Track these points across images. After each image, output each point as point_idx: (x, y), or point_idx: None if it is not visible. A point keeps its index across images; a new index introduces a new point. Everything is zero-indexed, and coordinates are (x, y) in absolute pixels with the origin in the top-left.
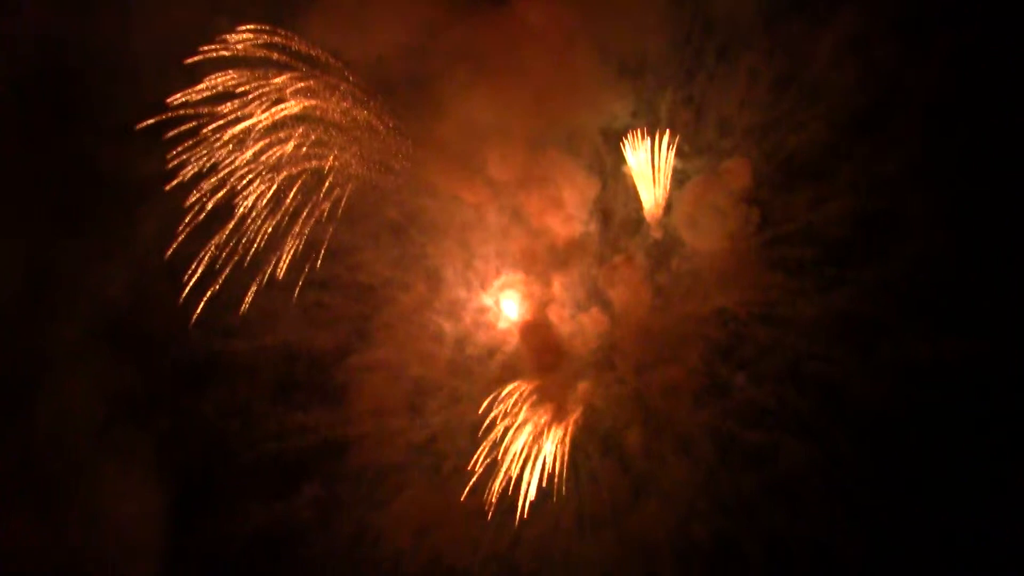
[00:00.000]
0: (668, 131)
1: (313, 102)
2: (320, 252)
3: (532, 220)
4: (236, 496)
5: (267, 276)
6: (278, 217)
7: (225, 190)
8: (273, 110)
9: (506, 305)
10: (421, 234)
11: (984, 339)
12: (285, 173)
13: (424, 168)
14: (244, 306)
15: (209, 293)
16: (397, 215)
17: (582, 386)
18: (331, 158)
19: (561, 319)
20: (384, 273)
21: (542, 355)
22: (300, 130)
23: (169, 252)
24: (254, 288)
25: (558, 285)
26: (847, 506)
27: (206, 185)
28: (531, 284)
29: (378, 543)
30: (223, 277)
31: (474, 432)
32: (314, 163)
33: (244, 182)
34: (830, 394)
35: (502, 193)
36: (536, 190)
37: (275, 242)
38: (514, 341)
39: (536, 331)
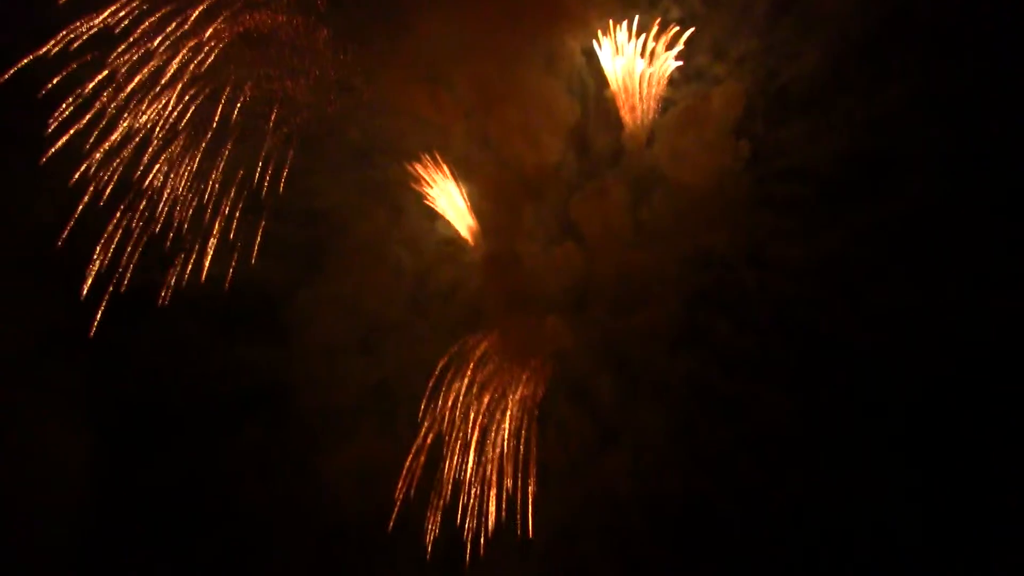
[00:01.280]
0: (675, 27)
1: (263, 17)
2: (269, 175)
3: (503, 145)
4: (171, 438)
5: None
6: (228, 145)
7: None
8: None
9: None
10: (382, 157)
11: (981, 288)
12: (241, 98)
13: (387, 86)
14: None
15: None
16: (357, 136)
17: (551, 327)
18: (283, 83)
19: (530, 254)
20: (340, 199)
21: (508, 293)
22: (249, 52)
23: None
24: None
25: (529, 216)
26: (828, 464)
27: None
28: (499, 214)
29: (322, 491)
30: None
31: (431, 375)
32: (265, 87)
33: (183, 103)
34: (816, 343)
35: (471, 115)
36: (508, 113)
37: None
38: (479, 277)
39: (503, 266)
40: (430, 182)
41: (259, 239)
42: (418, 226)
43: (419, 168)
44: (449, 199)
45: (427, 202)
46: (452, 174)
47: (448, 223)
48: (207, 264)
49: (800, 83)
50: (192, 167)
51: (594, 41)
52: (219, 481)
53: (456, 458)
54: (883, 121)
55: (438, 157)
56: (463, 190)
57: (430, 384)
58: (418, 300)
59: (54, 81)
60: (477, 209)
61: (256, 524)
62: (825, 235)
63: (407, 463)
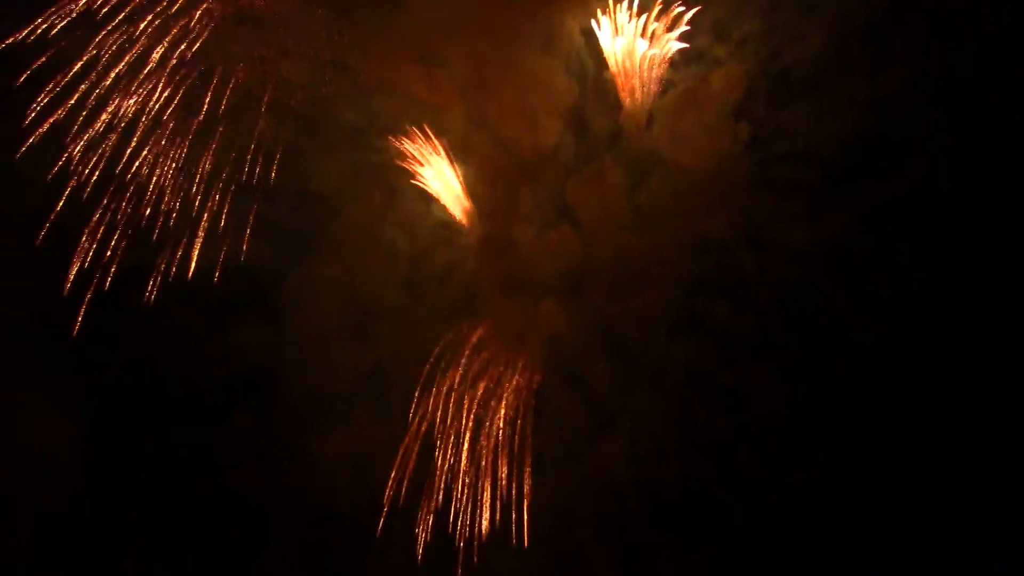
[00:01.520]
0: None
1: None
2: (262, 157)
3: (499, 126)
4: (163, 425)
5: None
6: (220, 128)
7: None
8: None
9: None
10: (377, 139)
11: (986, 273)
12: (232, 80)
13: (382, 66)
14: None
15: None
16: (351, 117)
17: (547, 312)
18: (277, 63)
19: (526, 237)
20: (334, 181)
21: (504, 277)
22: (242, 31)
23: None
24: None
25: (525, 199)
26: (828, 451)
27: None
28: (495, 197)
29: (316, 478)
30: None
31: (426, 360)
32: (258, 68)
33: (172, 85)
34: (817, 329)
35: (467, 95)
36: (505, 94)
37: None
38: (474, 260)
39: (498, 250)
40: (425, 163)
41: (251, 222)
42: (413, 209)
43: (414, 149)
44: (445, 181)
45: (421, 183)
46: (448, 156)
47: (443, 206)
48: (195, 257)
49: (802, 65)
50: (182, 151)
51: (592, 21)
52: (212, 468)
53: (450, 450)
54: (886, 103)
55: (434, 138)
56: (459, 172)
57: (425, 370)
58: (413, 284)
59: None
60: (473, 191)
61: (249, 511)
62: (827, 219)
63: (400, 454)
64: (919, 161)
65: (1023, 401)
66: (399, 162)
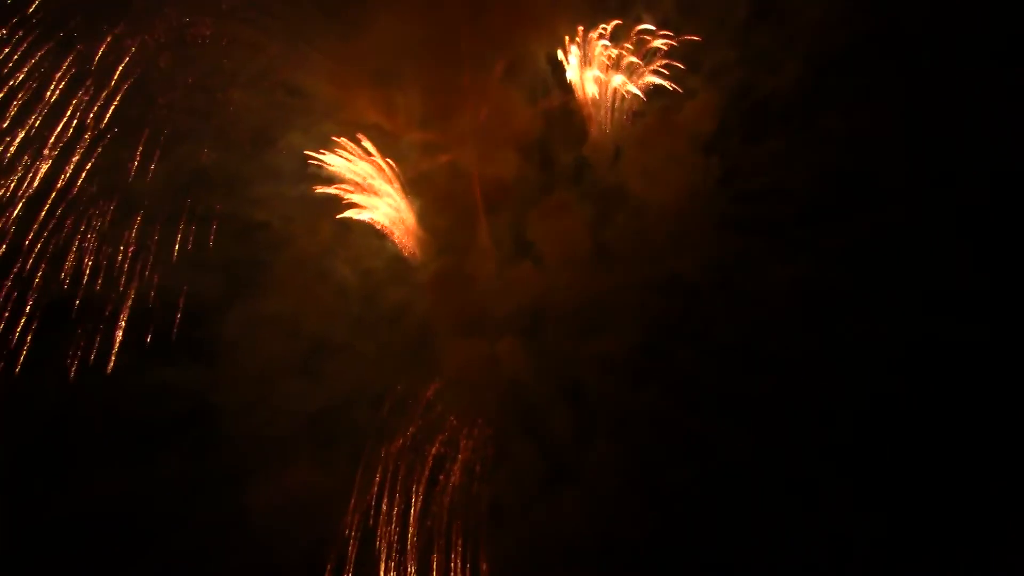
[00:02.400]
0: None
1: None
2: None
3: (459, 155)
4: (86, 465)
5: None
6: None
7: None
8: None
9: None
10: (329, 169)
11: (961, 315)
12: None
13: (337, 91)
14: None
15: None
16: (302, 143)
17: (505, 353)
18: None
19: (484, 274)
20: (284, 210)
21: (460, 316)
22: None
23: None
24: None
25: (483, 234)
26: (795, 504)
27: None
28: (452, 232)
29: (253, 527)
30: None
31: (376, 404)
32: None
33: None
34: (786, 375)
35: (426, 123)
36: (465, 122)
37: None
38: (429, 297)
39: (454, 287)
40: (371, 191)
41: (190, 251)
42: (365, 242)
43: (368, 179)
44: (399, 214)
45: (371, 218)
46: (403, 187)
47: (397, 240)
48: (117, 342)
49: (777, 98)
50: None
51: (559, 50)
52: (138, 515)
53: (397, 509)
54: (863, 138)
55: (388, 169)
56: (413, 204)
57: (376, 422)
58: (363, 321)
59: None
60: (429, 225)
61: (178, 563)
62: (798, 259)
63: (349, 510)
64: (895, 200)
65: (996, 441)
66: (357, 202)
